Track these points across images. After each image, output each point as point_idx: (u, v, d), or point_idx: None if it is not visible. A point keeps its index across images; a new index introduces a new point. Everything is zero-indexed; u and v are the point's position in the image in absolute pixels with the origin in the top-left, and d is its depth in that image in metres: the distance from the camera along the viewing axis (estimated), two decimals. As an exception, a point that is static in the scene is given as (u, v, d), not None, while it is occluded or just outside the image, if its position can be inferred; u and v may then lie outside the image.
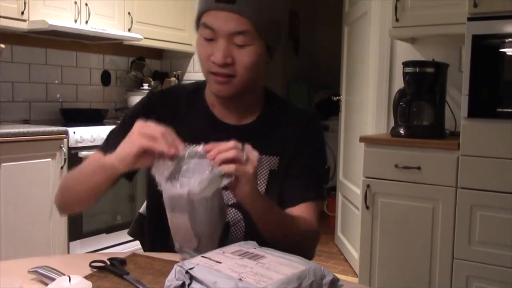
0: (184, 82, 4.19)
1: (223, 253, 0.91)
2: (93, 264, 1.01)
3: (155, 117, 1.20)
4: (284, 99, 1.31)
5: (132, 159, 0.98)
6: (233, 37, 1.08)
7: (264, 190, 1.20)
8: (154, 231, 1.29)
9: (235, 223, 1.20)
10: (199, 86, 1.28)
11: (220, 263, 0.85)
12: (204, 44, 1.12)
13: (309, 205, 1.20)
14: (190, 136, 1.19)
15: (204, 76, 1.17)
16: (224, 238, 1.19)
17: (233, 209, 1.19)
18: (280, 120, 1.25)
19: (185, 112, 1.24)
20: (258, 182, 1.18)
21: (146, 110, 1.24)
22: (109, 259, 1.02)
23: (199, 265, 0.84)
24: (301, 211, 1.19)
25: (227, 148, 0.95)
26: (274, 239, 1.08)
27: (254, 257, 0.89)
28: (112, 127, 3.31)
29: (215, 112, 1.23)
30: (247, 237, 1.18)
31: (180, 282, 0.83)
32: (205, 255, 0.90)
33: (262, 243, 1.09)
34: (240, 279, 0.79)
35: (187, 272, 0.83)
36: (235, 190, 0.98)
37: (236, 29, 1.07)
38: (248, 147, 0.99)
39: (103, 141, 1.28)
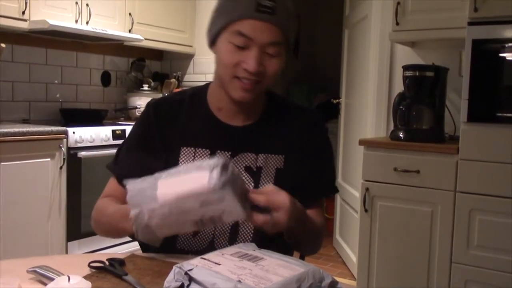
0: (184, 83, 4.19)
1: (222, 254, 0.91)
2: (92, 264, 1.01)
3: (155, 129, 1.24)
4: (284, 97, 1.35)
5: None
6: (267, 47, 1.11)
7: None
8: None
9: (244, 220, 1.20)
10: (197, 92, 1.29)
11: (219, 264, 0.86)
12: (233, 51, 1.12)
13: (321, 203, 1.27)
14: (194, 141, 1.22)
15: (225, 81, 1.17)
16: (234, 235, 1.19)
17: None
18: (283, 118, 1.27)
19: (187, 118, 1.25)
20: (265, 180, 1.21)
21: (146, 126, 1.27)
22: (108, 260, 1.02)
23: (198, 266, 0.84)
24: (313, 208, 1.24)
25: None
26: (296, 241, 1.14)
27: (253, 259, 0.89)
28: (112, 127, 3.29)
29: (219, 116, 1.24)
30: (256, 234, 1.20)
31: (179, 283, 0.83)
32: (204, 256, 0.90)
33: (270, 240, 1.10)
34: (239, 281, 0.79)
35: (186, 273, 0.83)
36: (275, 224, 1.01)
37: (273, 40, 1.11)
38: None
39: (112, 161, 1.32)
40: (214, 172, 0.93)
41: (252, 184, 1.21)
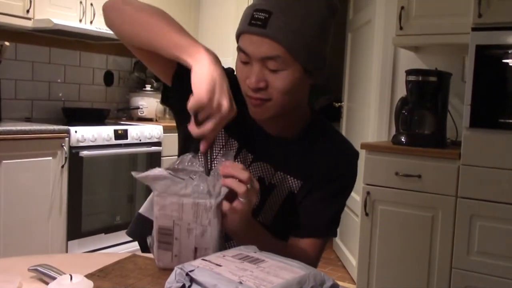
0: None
1: (224, 256, 0.91)
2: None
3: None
4: (330, 128, 1.25)
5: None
6: (266, 62, 1.04)
7: (276, 210, 1.17)
8: None
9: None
10: None
11: (221, 266, 0.85)
12: (241, 67, 1.08)
13: (315, 241, 1.17)
14: (232, 128, 1.13)
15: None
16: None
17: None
18: (317, 146, 1.19)
19: (239, 99, 1.14)
20: (274, 200, 1.17)
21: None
22: None
23: (200, 267, 0.84)
24: (306, 244, 1.16)
25: (241, 171, 0.95)
26: None
27: (255, 261, 0.89)
28: (114, 127, 3.29)
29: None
30: None
31: (180, 285, 0.83)
32: (206, 258, 0.90)
33: None
34: (240, 282, 0.79)
35: (187, 274, 0.83)
36: (228, 215, 0.97)
37: (267, 54, 1.03)
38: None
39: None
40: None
41: (258, 197, 1.16)
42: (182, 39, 1.05)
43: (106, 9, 1.17)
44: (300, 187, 1.17)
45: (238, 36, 1.08)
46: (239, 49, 1.07)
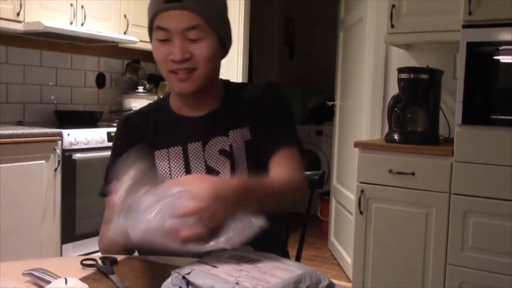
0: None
1: (219, 257, 0.91)
2: (84, 262, 1.03)
3: (128, 142, 1.28)
4: (241, 83, 1.39)
5: None
6: (187, 33, 1.15)
7: (245, 162, 1.24)
8: None
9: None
10: (161, 99, 1.37)
11: (217, 267, 0.86)
12: (159, 46, 1.18)
13: (286, 153, 1.22)
14: (166, 142, 1.27)
15: (165, 78, 1.22)
16: None
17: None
18: (241, 98, 1.30)
19: (154, 125, 1.30)
20: (238, 155, 1.23)
21: (120, 141, 1.33)
22: (101, 258, 1.04)
23: (196, 270, 0.84)
24: (279, 160, 1.21)
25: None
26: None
27: (251, 261, 0.89)
28: (107, 129, 3.27)
29: (183, 113, 1.29)
30: None
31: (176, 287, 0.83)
32: (202, 259, 0.90)
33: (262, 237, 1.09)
34: (237, 283, 0.79)
35: (183, 277, 0.83)
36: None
37: (188, 25, 1.14)
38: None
39: (103, 183, 1.31)
40: None
41: (229, 164, 1.23)
42: None
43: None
44: (250, 132, 1.26)
45: (153, 18, 1.18)
46: (158, 28, 1.16)
